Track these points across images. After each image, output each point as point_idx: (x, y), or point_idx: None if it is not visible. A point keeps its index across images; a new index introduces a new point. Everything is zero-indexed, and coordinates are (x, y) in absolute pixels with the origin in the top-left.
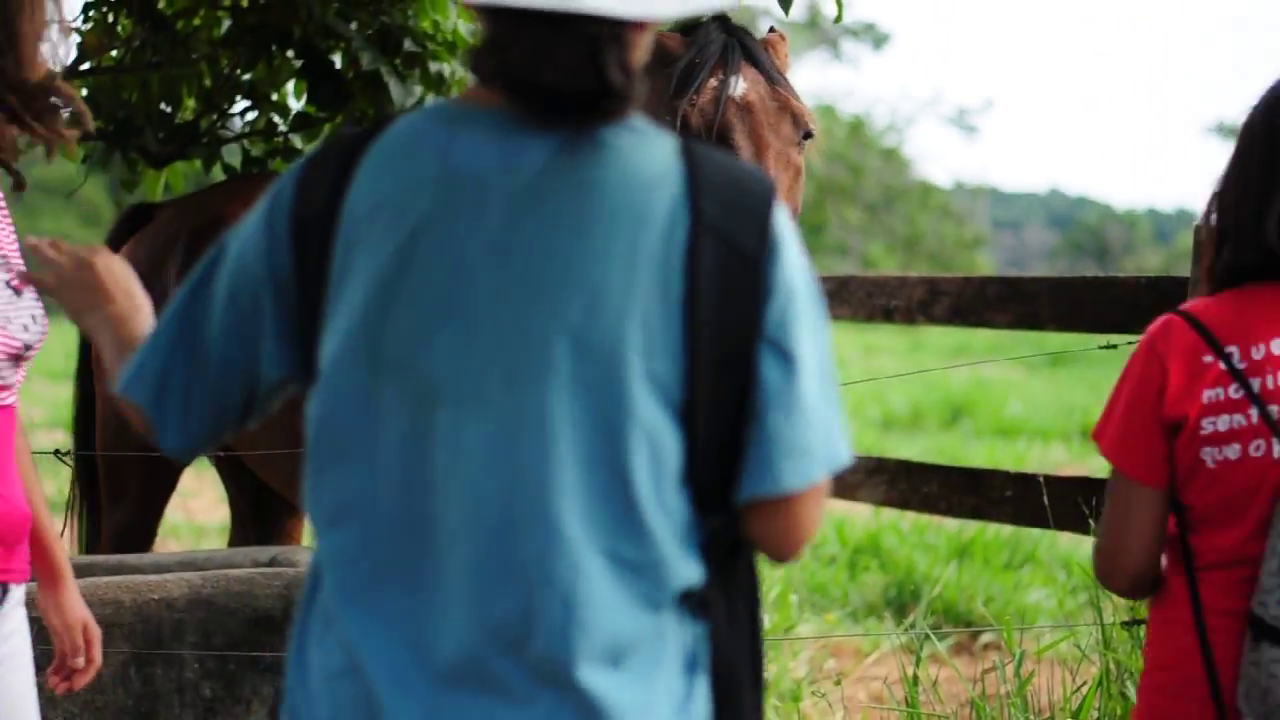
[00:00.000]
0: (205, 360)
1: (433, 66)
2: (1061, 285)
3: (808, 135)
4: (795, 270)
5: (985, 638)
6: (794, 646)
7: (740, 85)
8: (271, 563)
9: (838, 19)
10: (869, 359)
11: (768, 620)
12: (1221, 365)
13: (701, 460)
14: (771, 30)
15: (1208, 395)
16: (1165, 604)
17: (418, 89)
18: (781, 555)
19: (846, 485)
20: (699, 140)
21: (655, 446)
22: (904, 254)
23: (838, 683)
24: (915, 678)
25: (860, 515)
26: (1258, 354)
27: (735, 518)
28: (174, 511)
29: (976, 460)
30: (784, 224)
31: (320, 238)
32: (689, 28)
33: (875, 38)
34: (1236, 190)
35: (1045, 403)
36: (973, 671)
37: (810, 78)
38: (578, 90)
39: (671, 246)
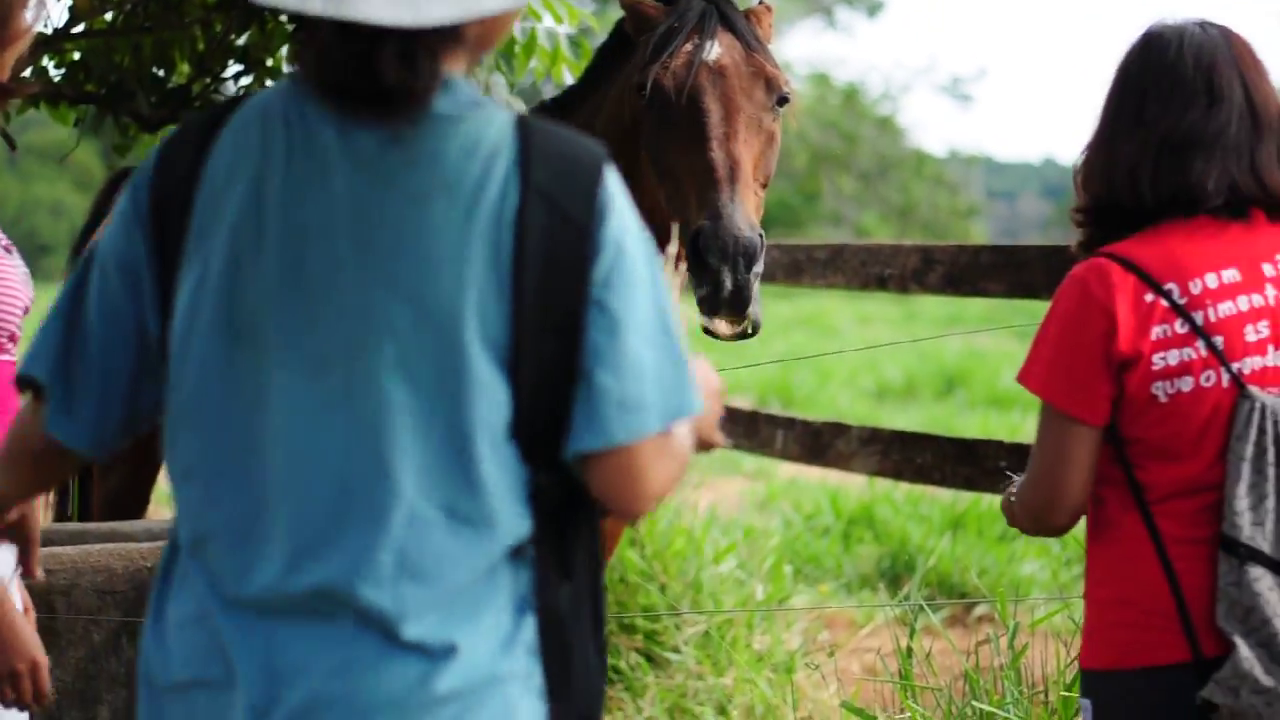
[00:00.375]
0: (95, 341)
1: None
2: (1055, 253)
3: (783, 100)
4: (624, 234)
5: (979, 610)
6: (788, 618)
7: (714, 49)
8: None
9: None
10: (863, 329)
11: (761, 591)
12: (1164, 302)
13: (530, 417)
14: (766, 5)
15: (1156, 332)
16: (1114, 541)
17: None
18: (626, 510)
19: (840, 455)
20: (537, 115)
21: (491, 405)
22: (898, 223)
23: (831, 654)
24: (909, 650)
25: (854, 486)
26: (1195, 289)
27: (566, 474)
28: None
29: (970, 431)
30: (614, 191)
31: (180, 210)
32: None
33: (869, 5)
34: (1092, 138)
35: None
36: (967, 644)
37: (804, 45)
38: (356, 90)
39: (503, 213)
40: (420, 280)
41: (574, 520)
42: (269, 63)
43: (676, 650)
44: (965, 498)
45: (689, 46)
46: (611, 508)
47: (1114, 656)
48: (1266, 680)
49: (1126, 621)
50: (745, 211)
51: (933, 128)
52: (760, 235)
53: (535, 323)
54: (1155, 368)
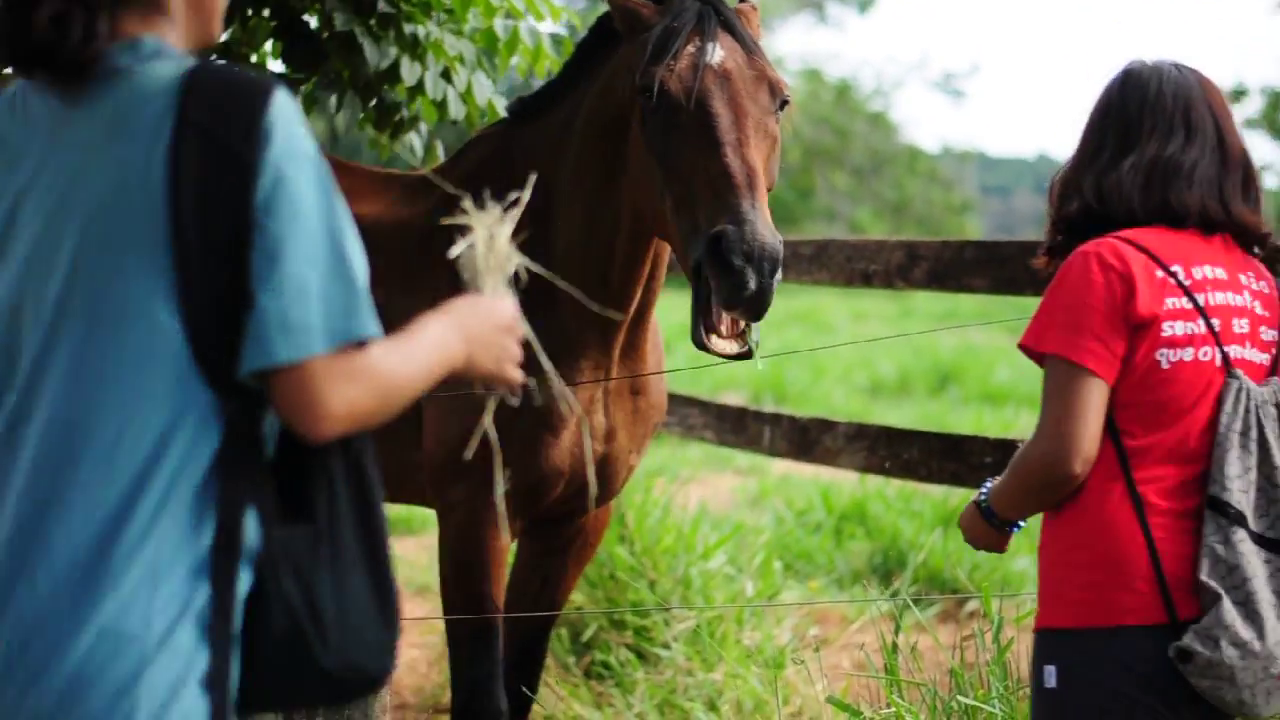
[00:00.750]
0: None
1: (407, 28)
2: (1033, 248)
3: (784, 104)
4: (288, 160)
5: (970, 605)
6: (778, 614)
7: (718, 52)
8: None
9: None
10: (857, 325)
11: (750, 587)
12: (1172, 280)
13: (207, 343)
14: (752, 5)
15: (1169, 302)
16: (1091, 507)
17: (392, 50)
18: (305, 429)
19: (827, 451)
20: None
21: (166, 339)
22: (892, 219)
23: (817, 650)
24: (895, 646)
25: (847, 483)
26: (1197, 274)
27: (255, 399)
28: None
29: (963, 427)
30: (280, 120)
31: None
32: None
33: (860, 1)
34: (1075, 157)
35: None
36: (956, 639)
37: (796, 41)
38: (19, 53)
39: (155, 149)
40: (90, 221)
41: (306, 456)
42: (253, 59)
43: (666, 646)
44: (958, 493)
45: (691, 49)
46: (293, 427)
47: (1085, 615)
48: (1245, 633)
49: (1099, 583)
50: (767, 218)
51: (926, 123)
52: (782, 242)
53: (199, 251)
54: (1164, 334)
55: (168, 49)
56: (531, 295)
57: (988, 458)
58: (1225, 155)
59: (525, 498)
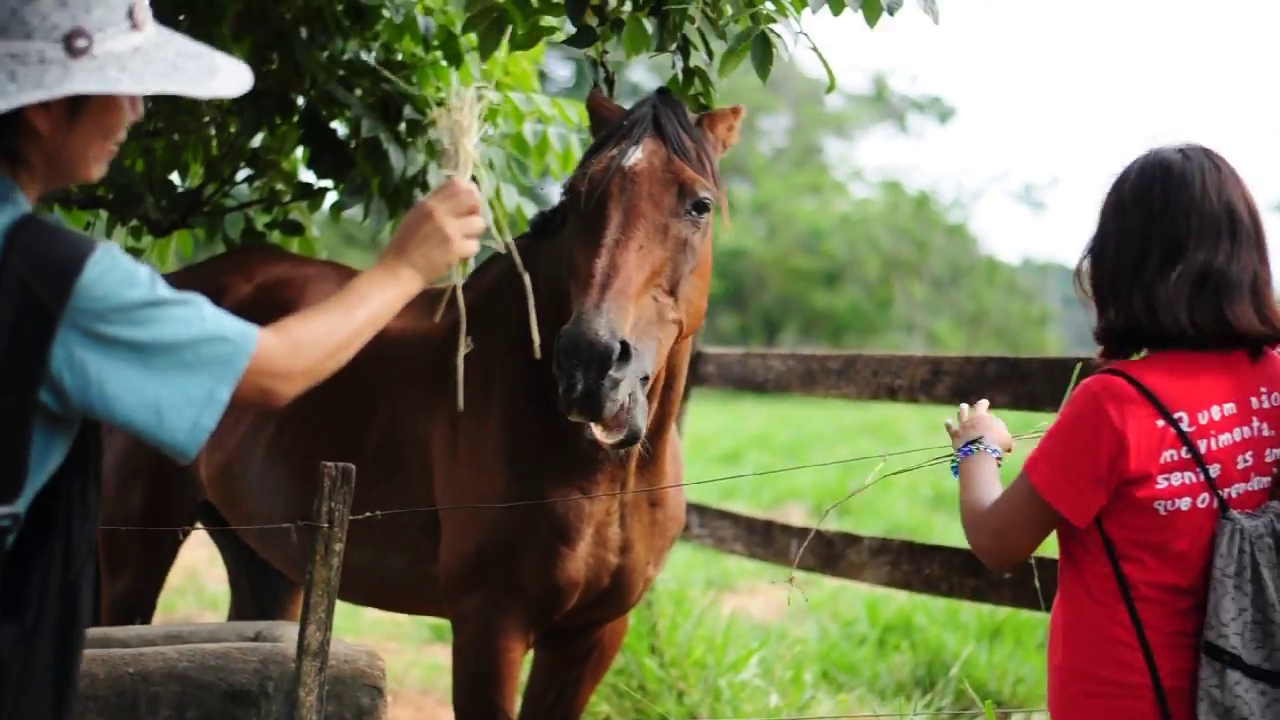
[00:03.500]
0: None
1: (433, 134)
2: (1058, 365)
3: (699, 205)
4: (100, 321)
5: (1015, 719)
6: None
7: (634, 155)
8: (257, 637)
9: (830, 88)
10: (929, 436)
11: (776, 699)
12: (1173, 430)
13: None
14: (731, 107)
15: (1165, 456)
16: (1094, 623)
17: (420, 156)
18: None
19: (852, 565)
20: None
21: None
22: (970, 330)
23: None
24: None
25: (894, 594)
26: (1203, 419)
27: (21, 515)
28: (220, 584)
29: None
30: (98, 285)
31: None
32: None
33: (941, 111)
34: (1114, 261)
35: None
36: None
37: (876, 152)
38: None
39: None
40: None
41: (28, 558)
42: (284, 165)
43: None
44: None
45: (613, 152)
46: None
47: None
48: None
49: (1101, 693)
50: (611, 318)
51: (1005, 235)
52: (622, 342)
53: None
54: (1160, 487)
55: (16, 194)
56: (551, 414)
57: (1007, 574)
58: (1262, 253)
59: (540, 608)
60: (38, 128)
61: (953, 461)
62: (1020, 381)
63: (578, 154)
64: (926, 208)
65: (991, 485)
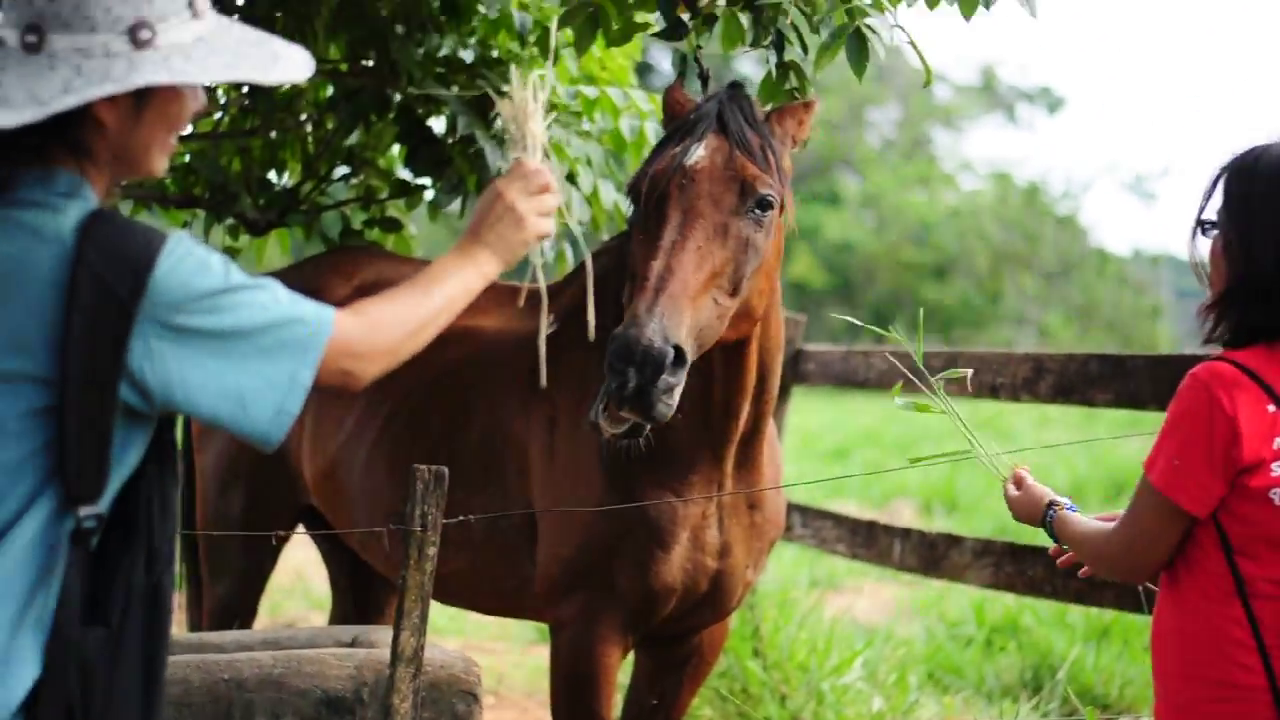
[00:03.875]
0: None
1: (498, 124)
2: (1161, 363)
3: (762, 204)
4: (176, 312)
5: None
6: None
7: (696, 153)
8: (353, 642)
9: (926, 83)
10: (1039, 431)
11: (879, 703)
12: None
13: (71, 457)
14: (804, 101)
15: (1278, 442)
16: (1209, 624)
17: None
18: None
19: (955, 567)
20: (110, 210)
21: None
22: (1081, 323)
23: None
24: None
25: (1001, 594)
26: None
27: (112, 514)
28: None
29: None
30: (171, 275)
31: None
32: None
33: (1050, 102)
34: (1246, 253)
35: None
36: None
37: (985, 143)
38: None
39: (57, 287)
40: None
41: (112, 560)
42: (380, 163)
43: None
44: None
45: (676, 150)
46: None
47: None
48: None
49: (1216, 697)
50: (666, 323)
51: (1116, 226)
52: (676, 347)
53: (78, 376)
54: (1274, 474)
55: (83, 189)
56: None
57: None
58: None
59: (638, 613)
60: (104, 121)
61: (1047, 528)
62: (1123, 380)
63: None
64: (1036, 199)
65: (1094, 523)
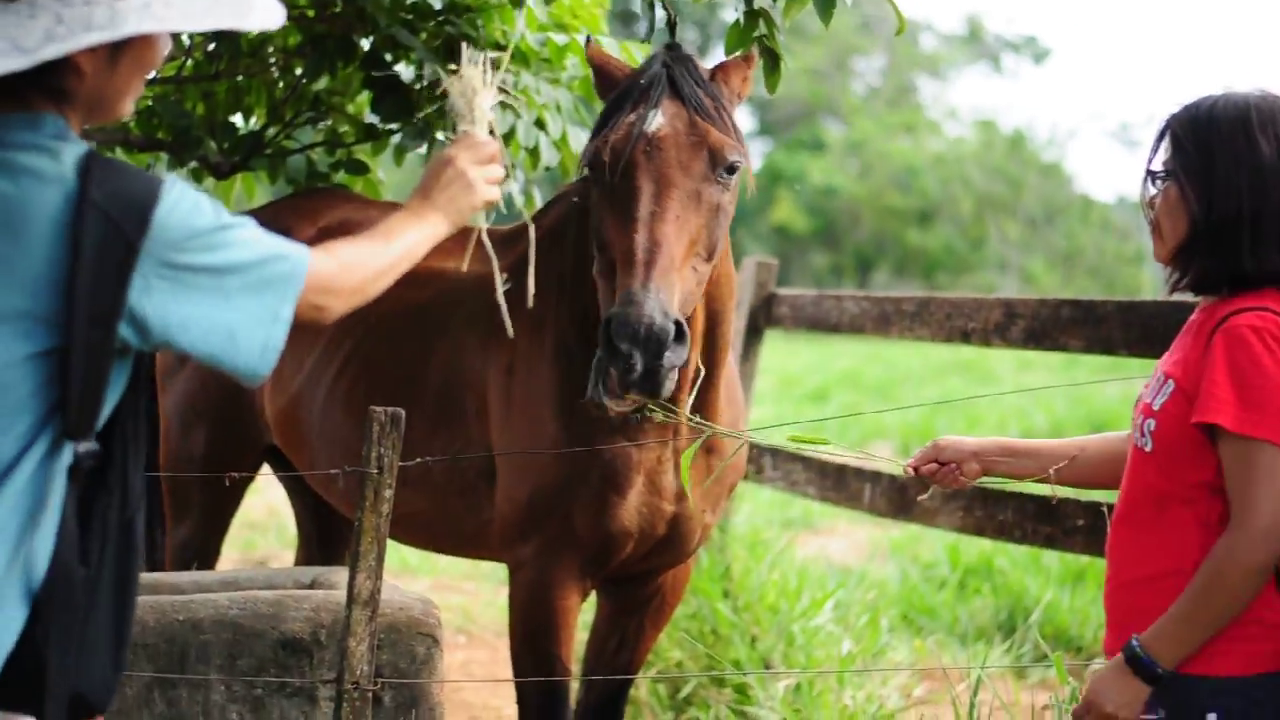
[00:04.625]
0: None
1: (447, 101)
2: (1130, 308)
3: (732, 168)
4: (175, 250)
5: (1096, 664)
6: (884, 672)
7: (656, 120)
8: (312, 584)
9: (899, 31)
10: (1021, 374)
11: (849, 646)
12: None
13: (74, 394)
14: (743, 54)
15: None
16: None
17: None
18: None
19: (925, 511)
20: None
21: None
22: (1064, 269)
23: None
24: (973, 706)
25: (974, 537)
26: None
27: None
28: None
29: None
30: (171, 215)
31: None
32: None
33: (1036, 52)
34: (1205, 202)
35: None
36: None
37: (970, 91)
38: None
39: (63, 226)
40: None
41: (90, 499)
42: (349, 109)
43: (766, 706)
44: (1097, 548)
45: (631, 118)
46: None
47: (1255, 664)
48: None
49: (1261, 635)
50: (662, 298)
51: (1100, 174)
52: (676, 322)
53: (85, 314)
54: None
55: (68, 132)
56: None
57: (1079, 520)
58: None
59: (595, 556)
60: (83, 68)
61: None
62: (1095, 325)
63: None
64: (1021, 147)
65: (1184, 595)
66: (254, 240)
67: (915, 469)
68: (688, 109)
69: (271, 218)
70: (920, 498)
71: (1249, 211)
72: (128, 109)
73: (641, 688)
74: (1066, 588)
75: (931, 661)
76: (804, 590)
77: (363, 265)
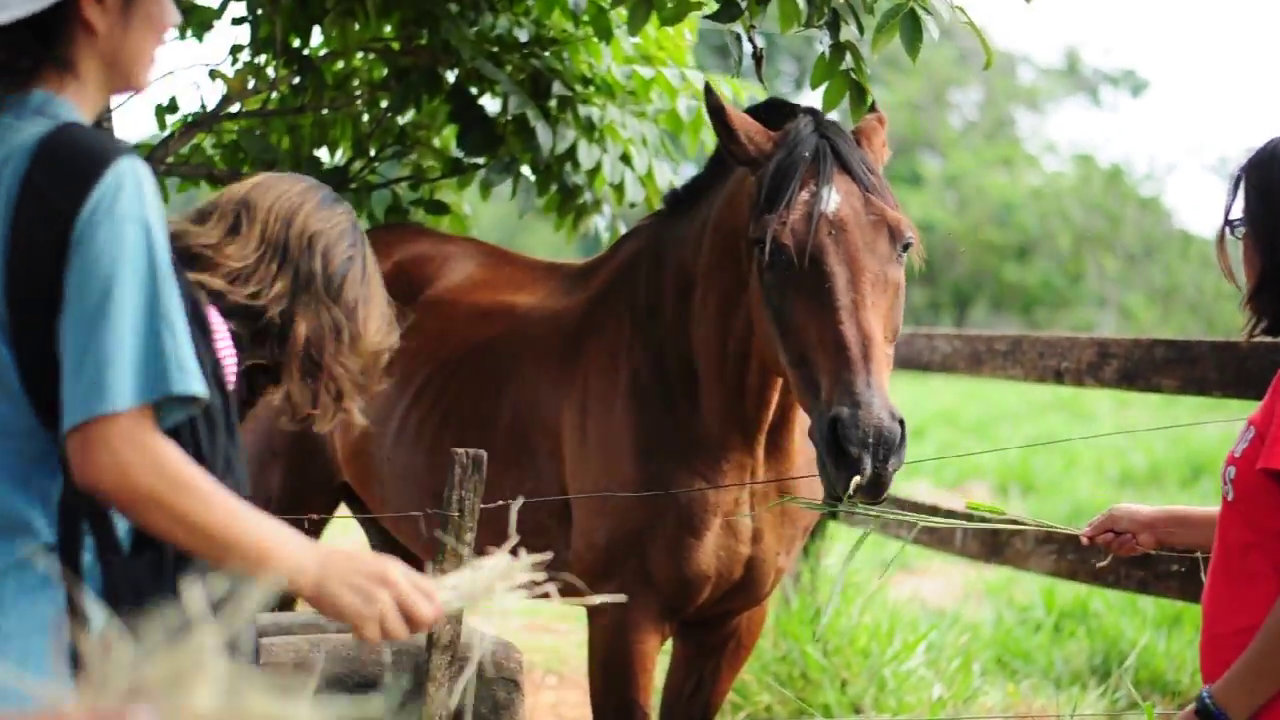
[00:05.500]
0: None
1: (583, 110)
2: (1226, 348)
3: (906, 246)
4: (109, 226)
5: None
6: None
7: (833, 200)
8: None
9: (987, 65)
10: (1120, 413)
11: (939, 690)
12: None
13: (38, 380)
14: (872, 109)
15: None
16: None
17: (570, 133)
18: (83, 477)
19: (1018, 554)
20: (74, 127)
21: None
22: (1163, 305)
23: None
24: None
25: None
26: None
27: None
28: None
29: None
30: (113, 188)
31: None
32: (775, 117)
33: (1134, 84)
34: (1269, 245)
35: None
36: None
37: (1068, 125)
38: None
39: (7, 207)
40: None
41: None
42: (435, 143)
43: None
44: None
45: (805, 195)
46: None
47: None
48: None
49: None
50: (884, 396)
51: (1199, 208)
52: (900, 422)
53: (25, 299)
54: None
55: (55, 106)
56: (675, 397)
57: (1174, 565)
58: None
59: (673, 599)
60: (93, 25)
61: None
62: (1189, 365)
63: None
64: (1119, 181)
65: (1247, 652)
66: (143, 309)
67: (1091, 539)
68: (860, 186)
69: None
70: (1099, 564)
71: None
72: (147, 78)
73: None
74: (1163, 631)
75: (1024, 707)
76: (896, 633)
77: (176, 488)
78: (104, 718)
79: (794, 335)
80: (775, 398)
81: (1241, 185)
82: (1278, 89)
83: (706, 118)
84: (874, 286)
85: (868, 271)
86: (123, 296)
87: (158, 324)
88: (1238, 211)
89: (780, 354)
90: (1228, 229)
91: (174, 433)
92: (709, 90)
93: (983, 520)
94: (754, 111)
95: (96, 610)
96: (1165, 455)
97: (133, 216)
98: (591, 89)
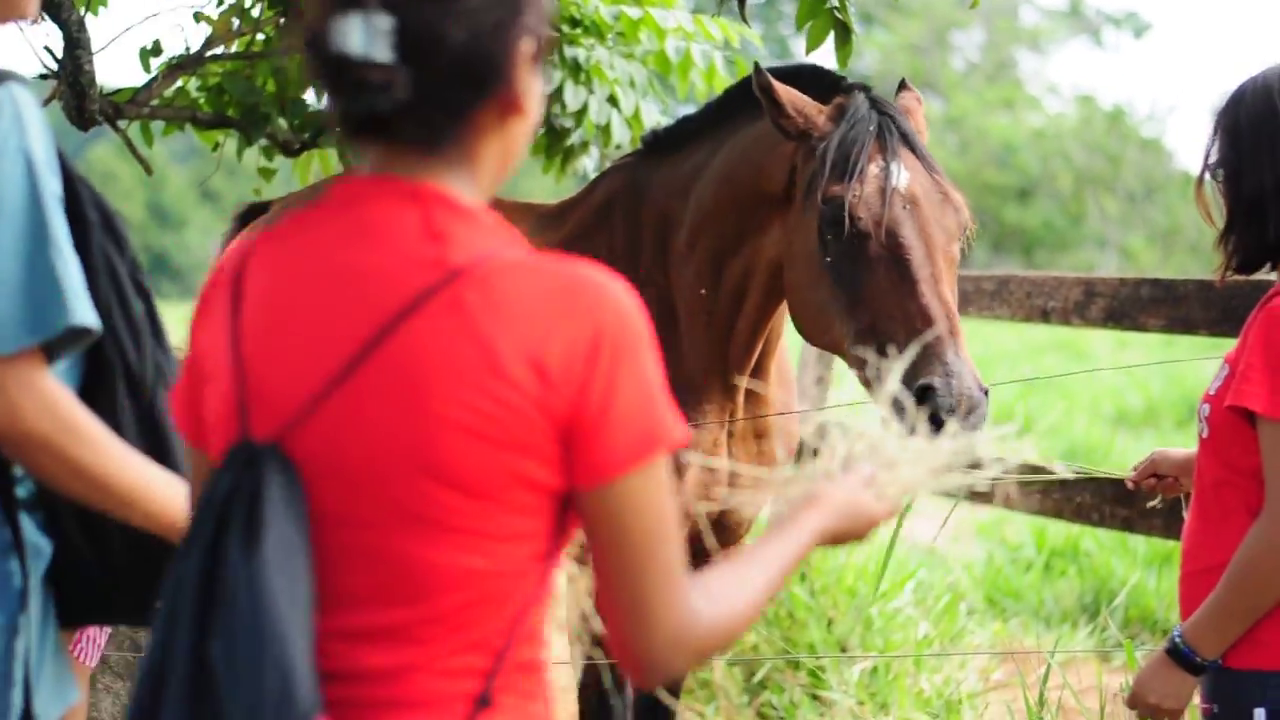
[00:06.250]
0: None
1: (569, 52)
2: (1211, 288)
3: (965, 226)
4: None
5: None
6: (963, 655)
7: (904, 176)
8: None
9: (973, 4)
10: (1119, 353)
11: (926, 629)
12: None
13: None
14: (904, 87)
15: None
16: None
17: (556, 74)
18: None
19: (1002, 493)
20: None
21: None
22: (1163, 246)
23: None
24: (1041, 697)
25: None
26: None
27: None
28: None
29: None
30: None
31: None
32: (829, 94)
33: (1136, 26)
34: (1237, 180)
35: None
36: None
37: (1070, 66)
38: None
39: None
40: None
41: (91, 403)
42: None
43: (841, 689)
44: (1175, 532)
45: (875, 169)
46: None
47: None
48: None
49: None
50: (973, 367)
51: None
52: (985, 391)
53: None
54: None
55: None
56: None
57: (1158, 504)
58: None
59: None
60: None
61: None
62: (1174, 305)
63: (721, 71)
64: (1121, 122)
65: (1217, 589)
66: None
67: (1136, 483)
68: (923, 163)
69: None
70: (1150, 504)
71: (1274, 182)
72: (35, 6)
73: (716, 670)
74: (1153, 570)
75: (1011, 645)
76: (883, 573)
77: (58, 427)
78: None
79: (865, 306)
80: (760, 345)
81: (1217, 130)
82: (1278, 30)
83: (697, 60)
84: (947, 262)
85: (941, 249)
86: (4, 228)
87: (49, 253)
88: (1216, 154)
89: (839, 321)
90: (1208, 172)
91: (99, 345)
92: (758, 69)
93: (1037, 472)
94: (789, 77)
95: (42, 540)
96: (1161, 395)
97: (12, 146)
98: (579, 30)
